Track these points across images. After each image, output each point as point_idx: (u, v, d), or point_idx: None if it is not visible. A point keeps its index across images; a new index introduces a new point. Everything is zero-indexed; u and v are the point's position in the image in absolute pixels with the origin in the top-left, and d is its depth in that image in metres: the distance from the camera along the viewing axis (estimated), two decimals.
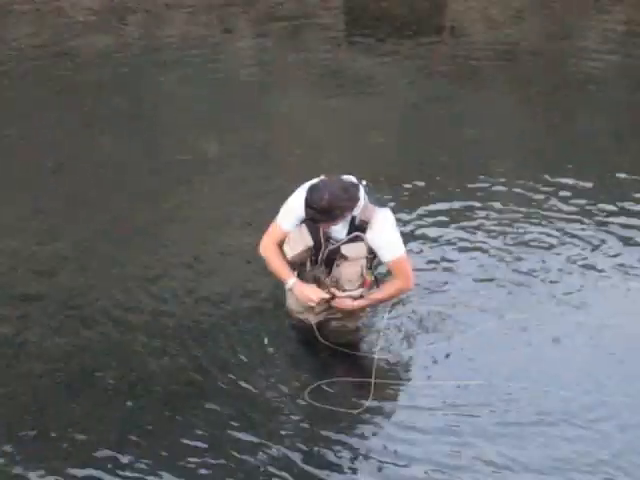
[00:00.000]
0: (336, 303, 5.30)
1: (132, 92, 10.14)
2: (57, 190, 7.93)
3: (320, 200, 4.83)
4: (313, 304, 5.28)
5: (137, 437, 5.13)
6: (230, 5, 13.23)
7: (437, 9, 13.80)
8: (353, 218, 5.08)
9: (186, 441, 5.10)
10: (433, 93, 10.38)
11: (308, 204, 4.88)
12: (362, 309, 5.50)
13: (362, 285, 5.27)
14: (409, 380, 5.72)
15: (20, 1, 13.03)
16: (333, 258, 5.21)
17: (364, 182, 5.17)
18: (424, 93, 10.40)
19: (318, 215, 4.89)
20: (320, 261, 5.25)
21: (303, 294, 5.25)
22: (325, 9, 13.28)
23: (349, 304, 5.30)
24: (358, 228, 5.10)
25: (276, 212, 5.37)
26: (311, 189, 4.91)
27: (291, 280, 5.27)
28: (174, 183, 8.06)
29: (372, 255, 5.22)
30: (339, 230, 5.14)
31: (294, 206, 5.13)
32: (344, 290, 5.27)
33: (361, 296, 5.32)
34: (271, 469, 4.94)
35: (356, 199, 4.97)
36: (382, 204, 5.18)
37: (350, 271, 5.20)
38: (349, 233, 5.13)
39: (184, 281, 6.55)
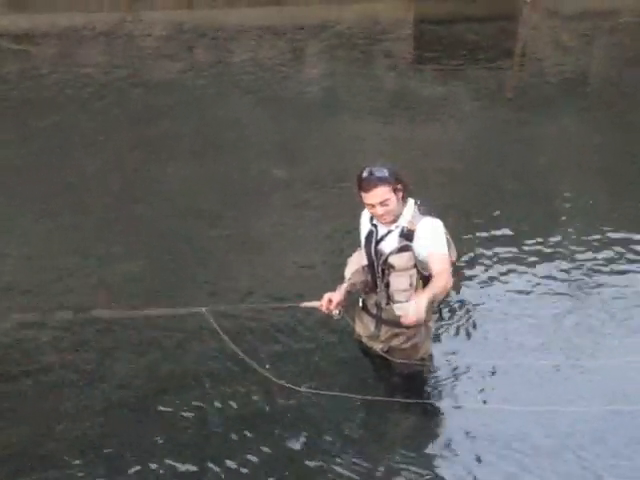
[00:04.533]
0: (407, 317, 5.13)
1: (201, 117, 10.23)
2: (123, 214, 7.99)
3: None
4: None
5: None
6: (299, 29, 13.30)
7: (507, 34, 13.73)
8: (402, 229, 5.11)
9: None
10: (504, 118, 10.32)
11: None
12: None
13: (412, 298, 5.18)
14: None
15: (91, 27, 13.24)
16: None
17: (418, 202, 5.20)
18: (494, 119, 10.35)
19: (364, 179, 4.99)
20: (379, 283, 5.23)
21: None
22: (395, 34, 13.29)
23: (412, 314, 4.99)
24: (406, 237, 5.10)
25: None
26: None
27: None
28: (242, 208, 8.08)
29: (425, 271, 5.16)
30: (392, 243, 5.15)
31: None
32: (395, 302, 5.22)
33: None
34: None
35: (402, 184, 5.06)
36: (435, 216, 5.17)
37: (399, 280, 5.18)
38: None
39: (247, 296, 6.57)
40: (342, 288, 5.35)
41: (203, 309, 5.67)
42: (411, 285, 5.17)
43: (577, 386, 5.64)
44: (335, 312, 5.35)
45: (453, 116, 10.35)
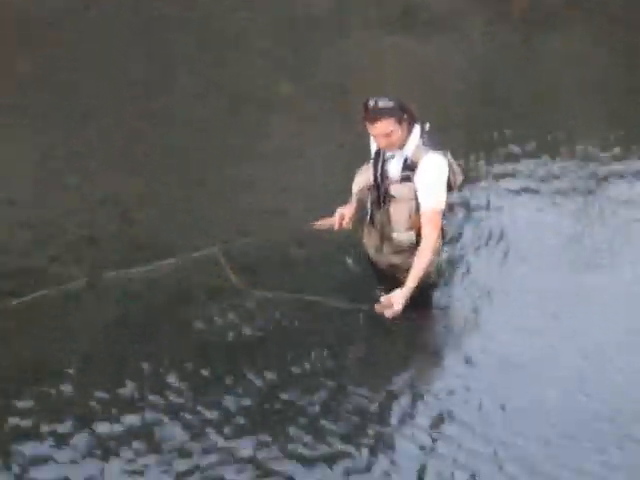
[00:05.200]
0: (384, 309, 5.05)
1: (206, 30, 10.11)
2: (126, 129, 7.97)
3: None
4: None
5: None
6: None
7: None
8: (405, 159, 5.08)
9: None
10: (510, 37, 10.21)
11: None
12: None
13: (411, 229, 5.22)
14: None
15: None
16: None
17: (427, 125, 5.15)
18: (501, 37, 10.23)
19: (369, 110, 4.95)
20: (381, 207, 5.26)
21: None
22: None
23: (396, 304, 4.94)
24: (409, 168, 5.09)
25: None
26: None
27: None
28: (246, 121, 8.04)
29: None
30: (394, 171, 5.14)
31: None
32: (393, 232, 5.25)
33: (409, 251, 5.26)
34: None
35: (404, 112, 5.00)
36: (439, 149, 5.13)
37: (398, 211, 5.18)
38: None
39: (260, 217, 6.54)
40: (352, 202, 5.38)
41: (216, 248, 5.66)
42: (410, 216, 5.18)
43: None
44: (349, 227, 5.37)
45: (459, 33, 10.23)
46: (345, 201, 5.42)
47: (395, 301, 4.89)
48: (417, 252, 5.09)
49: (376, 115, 4.94)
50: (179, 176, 7.11)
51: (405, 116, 5.00)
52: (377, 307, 4.95)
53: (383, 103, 4.94)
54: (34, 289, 5.47)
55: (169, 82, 8.89)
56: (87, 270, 5.74)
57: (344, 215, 5.34)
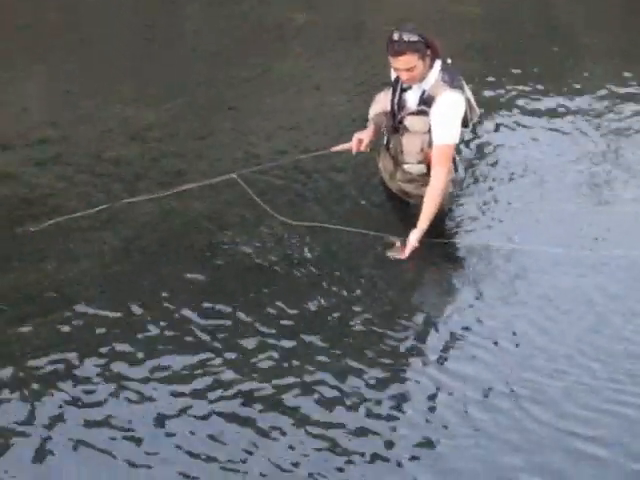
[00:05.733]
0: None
1: None
2: (142, 56, 7.98)
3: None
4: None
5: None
6: None
7: None
8: (423, 92, 5.08)
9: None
10: None
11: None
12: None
13: (423, 161, 5.24)
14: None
15: None
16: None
17: (449, 60, 5.15)
18: None
19: (393, 42, 4.91)
20: (395, 135, 5.29)
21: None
22: None
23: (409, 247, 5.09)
24: (425, 102, 5.09)
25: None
26: None
27: None
28: (260, 49, 8.03)
29: None
30: (412, 101, 5.15)
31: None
32: (405, 163, 5.27)
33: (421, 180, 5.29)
34: None
35: (428, 47, 4.98)
36: (459, 85, 5.12)
37: (410, 142, 5.21)
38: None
39: (268, 140, 6.53)
40: (370, 127, 5.39)
41: (234, 175, 5.66)
42: (422, 150, 5.20)
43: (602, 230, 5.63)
44: (367, 151, 5.41)
45: None
46: (362, 127, 5.42)
47: (409, 245, 5.03)
48: (427, 191, 5.12)
49: (400, 49, 4.91)
50: (195, 105, 7.10)
51: (428, 52, 4.98)
52: (390, 253, 5.07)
53: (408, 37, 4.89)
54: (51, 217, 5.47)
55: (183, 13, 8.85)
56: (104, 198, 5.75)
57: (362, 139, 5.36)
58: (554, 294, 5.04)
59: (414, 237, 5.05)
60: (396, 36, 4.90)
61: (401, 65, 4.97)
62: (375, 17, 8.62)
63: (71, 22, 8.56)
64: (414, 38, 4.90)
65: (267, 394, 4.32)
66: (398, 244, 5.11)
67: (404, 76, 5.02)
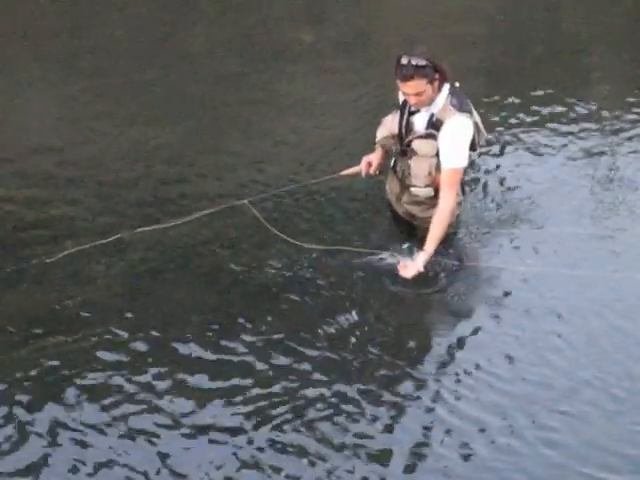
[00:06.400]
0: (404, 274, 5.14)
1: None
2: (147, 78, 8.02)
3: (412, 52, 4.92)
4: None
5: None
6: None
7: None
8: (431, 116, 5.09)
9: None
10: None
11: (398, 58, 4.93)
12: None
13: (431, 185, 5.26)
14: None
15: None
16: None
17: (457, 84, 5.15)
18: None
19: (401, 67, 4.89)
20: (403, 159, 5.30)
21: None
22: None
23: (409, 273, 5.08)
24: (434, 125, 5.09)
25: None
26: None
27: None
28: (267, 70, 8.06)
29: None
30: (420, 124, 5.15)
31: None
32: (412, 186, 5.29)
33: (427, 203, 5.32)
34: None
35: (437, 71, 4.95)
36: (467, 109, 5.14)
37: (418, 166, 5.20)
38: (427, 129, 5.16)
39: (275, 164, 6.55)
40: (378, 150, 5.41)
41: (245, 201, 5.67)
42: (430, 174, 5.20)
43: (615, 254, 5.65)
44: (376, 174, 5.44)
45: None
46: (369, 150, 5.45)
47: (415, 267, 5.03)
48: (435, 213, 5.12)
49: (409, 73, 4.88)
50: (202, 127, 7.14)
51: (437, 76, 4.97)
52: (400, 269, 5.07)
53: (416, 61, 4.86)
54: (60, 242, 5.53)
55: (189, 34, 8.91)
56: (114, 222, 5.78)
57: (371, 162, 5.40)
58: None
59: (421, 260, 5.06)
60: (405, 60, 4.87)
61: (409, 90, 4.97)
62: (382, 38, 8.68)
63: (81, 47, 8.60)
64: (422, 63, 4.88)
65: (274, 416, 4.38)
66: (406, 262, 5.13)
67: (412, 100, 5.03)
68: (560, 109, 7.36)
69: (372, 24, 8.87)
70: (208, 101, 7.56)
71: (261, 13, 9.31)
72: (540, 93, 7.63)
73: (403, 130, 5.22)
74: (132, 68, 8.16)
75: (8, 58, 8.24)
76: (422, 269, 5.06)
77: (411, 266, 5.07)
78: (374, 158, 5.41)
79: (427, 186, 5.25)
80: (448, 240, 5.37)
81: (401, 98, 5.25)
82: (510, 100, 7.50)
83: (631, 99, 7.58)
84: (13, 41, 8.63)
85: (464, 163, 5.15)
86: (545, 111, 7.33)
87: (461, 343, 4.91)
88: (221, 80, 7.95)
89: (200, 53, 8.48)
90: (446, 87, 5.07)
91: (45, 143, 6.80)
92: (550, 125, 7.13)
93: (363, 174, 5.44)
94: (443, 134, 5.06)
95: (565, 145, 6.87)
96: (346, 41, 8.68)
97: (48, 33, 8.84)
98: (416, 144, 5.17)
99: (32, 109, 7.39)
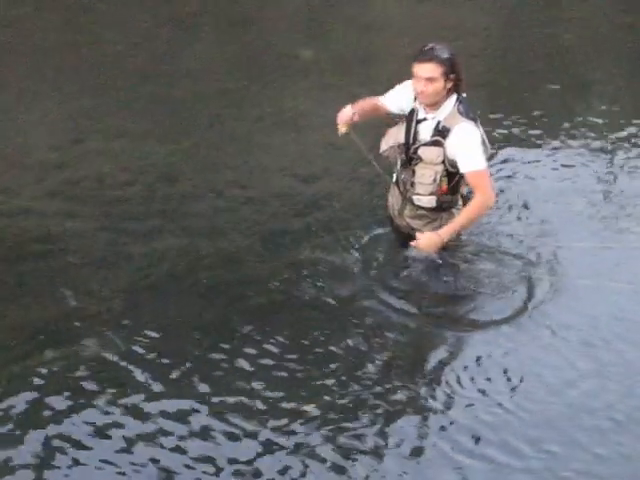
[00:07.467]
0: (419, 242, 5.21)
1: None
2: (148, 94, 8.06)
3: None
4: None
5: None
6: None
7: None
8: (438, 123, 5.10)
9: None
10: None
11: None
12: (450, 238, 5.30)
13: (435, 193, 5.27)
14: None
15: None
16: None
17: (464, 94, 5.17)
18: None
19: (423, 49, 4.96)
20: (407, 167, 5.30)
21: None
22: None
23: (434, 240, 5.16)
24: (440, 133, 5.10)
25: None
26: None
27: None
28: (268, 86, 8.11)
29: (453, 168, 5.20)
30: (426, 132, 5.16)
31: (405, 87, 5.27)
32: (415, 194, 5.29)
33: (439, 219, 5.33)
34: None
35: (455, 76, 5.01)
36: (473, 119, 5.15)
37: (423, 173, 5.21)
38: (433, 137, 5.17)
39: (280, 185, 6.57)
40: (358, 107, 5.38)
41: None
42: (434, 181, 5.20)
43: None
44: (343, 130, 5.38)
45: None
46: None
47: (436, 236, 5.10)
48: (472, 201, 5.12)
49: (429, 56, 4.93)
50: (204, 143, 7.17)
51: (452, 76, 4.99)
52: (414, 243, 5.13)
53: (440, 50, 4.95)
54: (63, 257, 5.57)
55: (190, 51, 8.94)
56: (115, 237, 5.81)
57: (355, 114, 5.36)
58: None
59: (444, 231, 5.09)
60: (429, 45, 4.97)
61: (423, 72, 4.97)
62: (381, 53, 8.71)
63: (82, 63, 8.64)
64: (445, 53, 4.96)
65: (272, 428, 4.39)
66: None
67: (420, 86, 5.00)
68: (559, 123, 7.41)
69: (371, 41, 8.88)
70: (209, 117, 7.58)
71: (262, 30, 9.33)
72: (539, 108, 7.68)
73: (410, 139, 5.23)
74: (133, 84, 8.19)
75: (12, 74, 8.28)
76: (436, 246, 5.12)
77: (427, 235, 5.11)
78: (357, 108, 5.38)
79: (431, 194, 5.24)
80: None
81: (409, 106, 5.26)
82: (509, 114, 7.53)
83: (632, 112, 7.62)
84: (16, 57, 8.67)
85: (484, 164, 5.12)
86: (545, 126, 7.37)
87: (459, 356, 4.95)
88: (222, 96, 7.98)
89: (201, 69, 8.51)
90: (454, 96, 5.09)
91: (47, 158, 6.82)
92: (550, 140, 7.18)
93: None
94: (452, 141, 5.05)
95: (564, 159, 6.92)
96: (345, 57, 8.72)
97: (49, 49, 8.86)
98: (422, 151, 5.16)
99: (34, 124, 7.39)
